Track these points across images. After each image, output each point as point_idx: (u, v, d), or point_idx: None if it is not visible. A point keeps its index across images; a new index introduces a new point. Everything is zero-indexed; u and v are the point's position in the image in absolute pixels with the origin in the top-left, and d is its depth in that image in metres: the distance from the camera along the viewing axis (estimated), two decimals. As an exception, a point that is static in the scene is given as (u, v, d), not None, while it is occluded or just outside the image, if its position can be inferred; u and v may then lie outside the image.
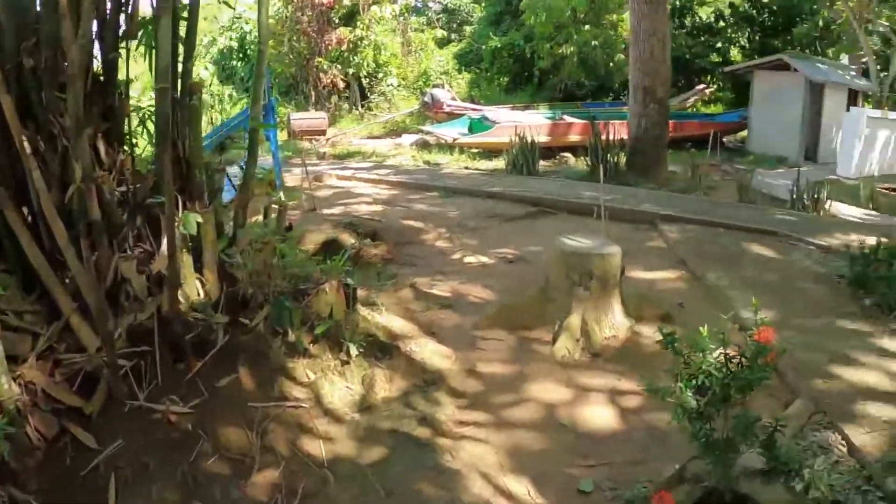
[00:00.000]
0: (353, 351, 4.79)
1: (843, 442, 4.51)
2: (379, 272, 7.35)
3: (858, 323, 6.51)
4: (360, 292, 5.43)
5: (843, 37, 26.02)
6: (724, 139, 20.28)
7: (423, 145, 18.52)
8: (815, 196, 11.39)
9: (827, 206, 11.45)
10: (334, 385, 4.64)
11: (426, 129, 19.10)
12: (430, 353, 5.21)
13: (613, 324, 5.90)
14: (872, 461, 4.19)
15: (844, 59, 24.61)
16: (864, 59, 21.37)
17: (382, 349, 5.04)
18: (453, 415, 4.72)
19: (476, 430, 4.63)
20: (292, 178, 12.31)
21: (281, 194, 5.36)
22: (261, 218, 5.30)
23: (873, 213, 12.11)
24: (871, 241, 7.67)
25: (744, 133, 21.91)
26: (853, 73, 21.78)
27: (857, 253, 7.51)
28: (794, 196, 11.49)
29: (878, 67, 21.96)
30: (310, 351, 4.68)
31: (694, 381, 3.15)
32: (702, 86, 25.61)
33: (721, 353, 3.22)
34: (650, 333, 5.71)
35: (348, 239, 8.04)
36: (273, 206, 5.18)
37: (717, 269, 7.68)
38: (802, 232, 9.28)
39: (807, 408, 4.83)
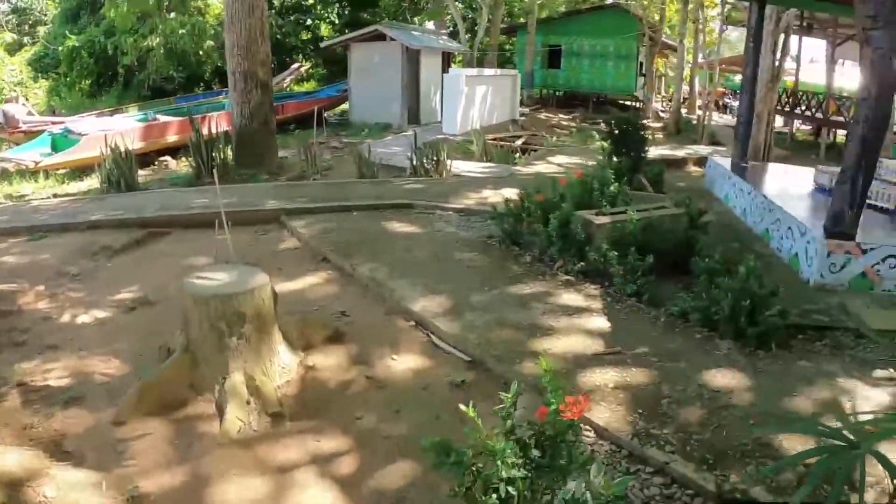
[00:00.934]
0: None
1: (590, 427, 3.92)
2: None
3: (531, 284, 5.99)
4: None
5: (428, 4, 27.74)
6: (326, 115, 19.79)
7: (2, 175, 14.20)
8: (436, 158, 11.05)
9: (448, 167, 11.21)
10: None
11: (1, 156, 14.76)
12: (71, 487, 3.52)
13: (283, 367, 4.68)
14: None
15: (430, 25, 26.21)
16: (450, 24, 22.79)
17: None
18: None
19: None
20: None
21: None
22: None
23: (490, 164, 12.33)
24: (498, 197, 7.34)
25: (345, 106, 21.77)
26: (445, 37, 23.09)
27: (505, 211, 7.06)
28: (415, 162, 11.02)
29: (465, 29, 23.64)
30: None
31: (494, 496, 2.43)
32: (296, 65, 25.01)
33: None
34: (324, 362, 4.84)
35: None
36: None
37: (365, 259, 6.50)
38: (436, 198, 8.71)
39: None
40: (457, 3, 24.93)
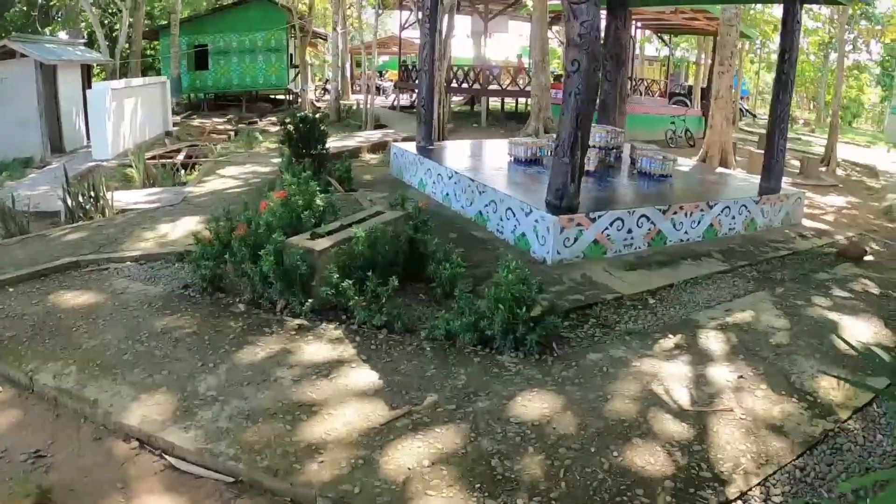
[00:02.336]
0: None
1: None
2: None
3: (260, 342, 4.65)
4: None
5: (60, 12, 23.45)
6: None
7: None
8: (93, 194, 8.82)
9: (110, 202, 9.05)
10: None
11: None
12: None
13: None
14: None
15: (62, 35, 22.14)
16: (86, 32, 19.28)
17: None
18: None
19: None
20: None
21: None
22: None
23: (156, 189, 10.37)
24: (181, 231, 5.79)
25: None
26: (82, 47, 19.43)
27: (199, 253, 5.58)
28: (70, 203, 8.65)
29: (104, 37, 20.25)
30: None
31: None
32: None
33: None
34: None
35: None
36: None
37: (42, 361, 4.35)
38: (106, 247, 6.77)
39: None
40: (93, 7, 21.24)
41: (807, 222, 9.12)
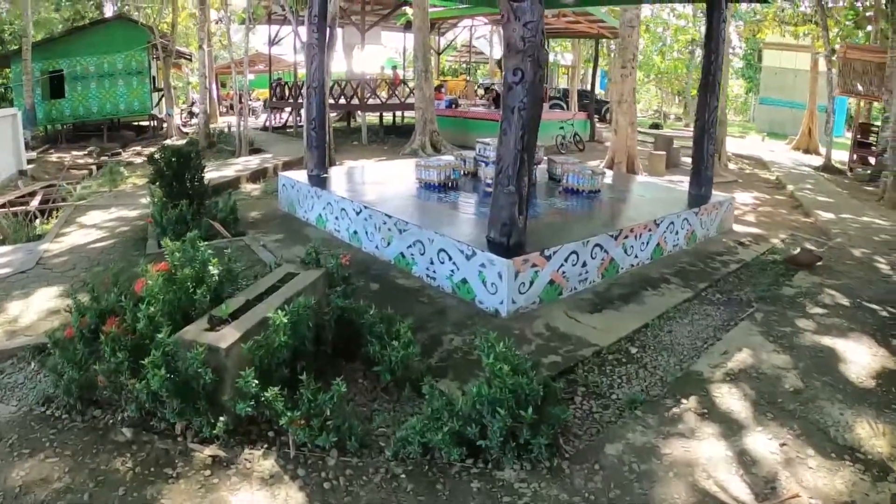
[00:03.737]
0: None
1: None
2: None
3: (162, 489, 3.17)
4: None
5: None
6: None
7: None
8: None
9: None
10: None
11: None
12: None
13: None
14: None
15: None
16: None
17: None
18: None
19: None
20: None
21: None
22: None
23: (4, 248, 8.37)
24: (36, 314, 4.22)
25: None
26: None
27: (60, 358, 4.04)
28: None
29: None
30: None
31: None
32: None
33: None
34: None
35: None
36: None
37: None
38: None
39: None
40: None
41: (736, 226, 8.71)
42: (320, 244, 5.53)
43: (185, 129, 23.32)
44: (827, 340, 5.14)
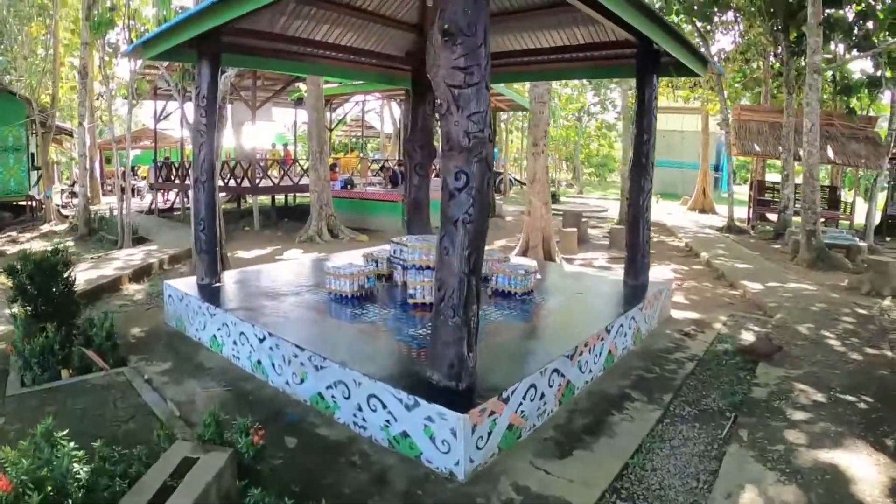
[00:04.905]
0: None
1: None
2: None
3: None
4: None
5: None
6: None
7: None
8: None
9: None
10: None
11: None
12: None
13: None
14: None
15: None
16: None
17: None
18: None
19: None
20: None
21: None
22: None
23: None
24: None
25: None
26: None
27: None
28: None
29: None
30: None
31: None
32: None
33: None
34: None
35: None
36: None
37: None
38: None
39: None
40: None
41: (672, 311, 8.21)
42: (218, 398, 4.36)
43: (64, 212, 21.09)
44: (825, 455, 4.61)
